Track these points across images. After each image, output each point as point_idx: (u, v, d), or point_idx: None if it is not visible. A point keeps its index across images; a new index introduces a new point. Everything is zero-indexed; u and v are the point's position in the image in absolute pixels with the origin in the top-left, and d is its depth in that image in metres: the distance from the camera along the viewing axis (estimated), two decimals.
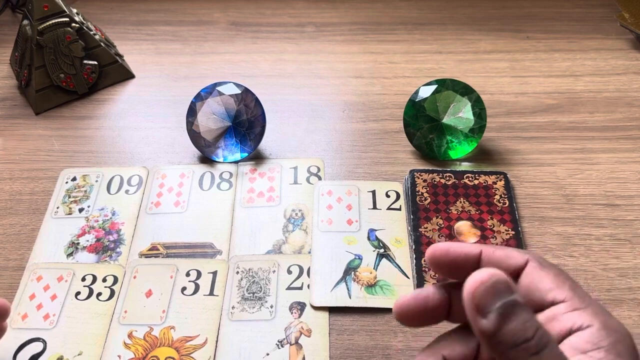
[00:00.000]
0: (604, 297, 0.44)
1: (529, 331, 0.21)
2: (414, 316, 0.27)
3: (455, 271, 0.27)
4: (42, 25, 0.59)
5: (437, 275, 0.45)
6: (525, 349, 0.21)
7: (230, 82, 0.53)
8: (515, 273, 0.26)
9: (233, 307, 0.44)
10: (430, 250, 0.27)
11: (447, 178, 0.52)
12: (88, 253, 0.48)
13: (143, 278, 0.46)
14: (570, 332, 0.23)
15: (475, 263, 0.26)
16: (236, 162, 0.55)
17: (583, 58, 0.67)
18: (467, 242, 0.47)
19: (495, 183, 0.51)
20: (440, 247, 0.27)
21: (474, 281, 0.22)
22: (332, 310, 0.44)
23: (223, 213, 0.51)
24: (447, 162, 0.55)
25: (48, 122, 0.61)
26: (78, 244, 0.49)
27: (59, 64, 0.61)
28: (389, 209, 0.51)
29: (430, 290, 0.27)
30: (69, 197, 0.53)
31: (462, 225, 0.48)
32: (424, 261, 0.46)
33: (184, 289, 0.45)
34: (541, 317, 0.24)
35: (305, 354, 0.41)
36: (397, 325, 0.43)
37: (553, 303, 0.24)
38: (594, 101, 0.61)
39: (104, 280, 0.46)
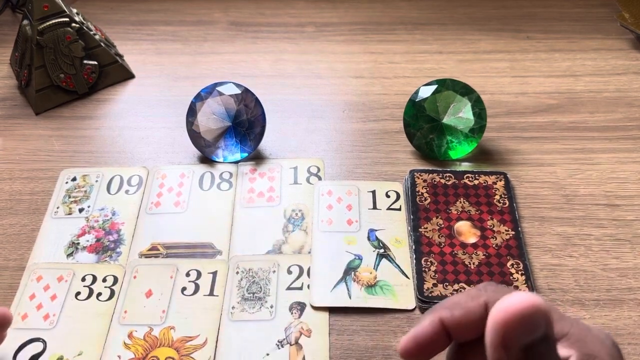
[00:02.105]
0: (604, 297, 0.44)
1: None
2: (421, 353, 0.24)
3: (435, 350, 0.24)
4: (42, 25, 0.59)
5: (436, 275, 0.45)
6: None
7: (230, 82, 0.53)
8: (483, 322, 0.23)
9: (233, 307, 0.44)
10: (401, 351, 0.23)
11: (447, 178, 0.52)
12: (88, 253, 0.48)
13: (143, 278, 0.46)
14: None
15: (445, 333, 0.24)
16: (236, 162, 0.55)
17: (583, 58, 0.67)
18: (467, 242, 0.47)
19: (495, 183, 0.51)
20: (407, 343, 0.23)
21: (509, 310, 0.19)
22: (332, 311, 0.44)
23: (223, 213, 0.51)
24: (447, 162, 0.55)
25: (48, 122, 0.61)
26: (78, 244, 0.49)
27: (59, 64, 0.61)
28: (389, 209, 0.51)
29: (427, 325, 0.24)
30: (69, 197, 0.53)
31: (462, 225, 0.48)
32: (424, 261, 0.46)
33: (184, 289, 0.45)
34: None
35: (305, 354, 0.41)
36: (397, 325, 0.43)
37: None
38: (594, 101, 0.61)
39: (104, 280, 0.46)
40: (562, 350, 0.22)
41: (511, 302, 0.19)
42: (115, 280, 0.46)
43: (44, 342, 0.43)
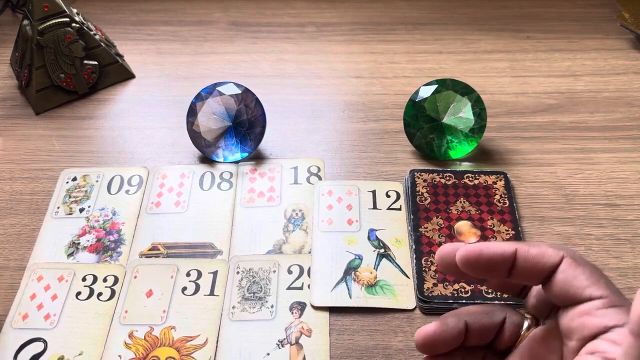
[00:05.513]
0: None
1: None
2: (437, 345, 0.26)
3: (488, 272, 0.26)
4: (43, 26, 0.59)
5: (436, 274, 0.45)
6: None
7: (230, 82, 0.53)
8: (551, 271, 0.25)
9: (233, 307, 0.44)
10: (462, 253, 0.25)
11: (447, 178, 0.52)
12: (88, 253, 0.48)
13: (143, 278, 0.46)
14: (606, 329, 0.23)
15: (510, 262, 0.25)
16: (236, 162, 0.55)
17: (583, 58, 0.67)
18: (467, 242, 0.47)
19: (495, 183, 0.51)
20: (472, 250, 0.25)
21: None
22: (333, 310, 0.44)
23: (223, 213, 0.51)
24: (447, 162, 0.55)
25: (48, 122, 0.61)
26: (78, 244, 0.49)
27: (59, 64, 0.61)
28: (389, 209, 0.51)
29: (450, 320, 0.27)
30: (70, 197, 0.53)
31: (462, 225, 0.48)
32: (424, 261, 0.46)
33: (184, 289, 0.45)
34: (575, 311, 0.24)
35: (306, 353, 0.41)
36: (397, 325, 0.43)
37: (589, 299, 0.24)
38: (594, 101, 0.61)
39: (105, 280, 0.46)
40: (622, 315, 0.23)
41: None
42: (116, 280, 0.46)
43: (44, 342, 0.43)
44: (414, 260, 0.46)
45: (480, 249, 0.25)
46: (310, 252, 0.48)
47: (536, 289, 0.27)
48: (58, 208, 0.52)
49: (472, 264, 0.25)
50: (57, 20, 0.60)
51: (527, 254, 0.25)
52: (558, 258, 0.25)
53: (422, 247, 0.47)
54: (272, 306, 0.44)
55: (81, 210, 0.52)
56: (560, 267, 0.25)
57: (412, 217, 0.49)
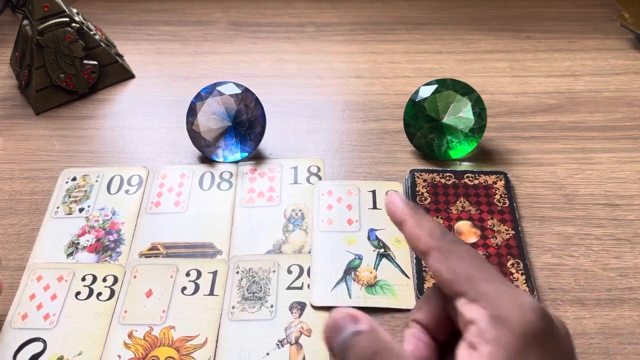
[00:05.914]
0: (604, 297, 0.44)
1: (364, 357, 0.23)
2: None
3: (396, 224, 0.27)
4: (43, 25, 0.59)
5: None
6: None
7: (230, 82, 0.53)
8: (423, 255, 0.26)
9: (233, 307, 0.44)
10: (385, 198, 0.28)
11: (447, 178, 0.52)
12: (88, 253, 0.48)
13: (143, 278, 0.46)
14: (464, 327, 0.23)
15: (401, 225, 0.27)
16: (236, 162, 0.55)
17: (583, 58, 0.67)
18: (467, 241, 0.47)
19: (495, 183, 0.51)
20: (388, 198, 0.27)
21: (325, 324, 0.24)
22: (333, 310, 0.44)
23: (223, 213, 0.51)
24: (447, 162, 0.55)
25: (48, 122, 0.61)
26: (78, 243, 0.49)
27: (59, 64, 0.61)
28: None
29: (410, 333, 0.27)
30: (69, 197, 0.53)
31: (462, 225, 0.48)
32: (424, 261, 0.46)
33: (184, 288, 0.45)
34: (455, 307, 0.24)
35: (306, 353, 0.41)
36: (397, 325, 0.43)
37: (456, 296, 0.24)
38: (594, 101, 0.61)
39: (104, 280, 0.46)
40: (476, 311, 0.23)
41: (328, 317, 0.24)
42: (116, 280, 0.46)
43: (44, 341, 0.43)
44: (414, 260, 0.46)
45: (390, 201, 0.27)
46: (310, 252, 0.48)
47: None
48: (58, 208, 0.52)
49: (387, 211, 0.27)
50: (57, 20, 0.60)
51: (410, 229, 0.26)
52: (425, 248, 0.25)
53: None
54: (271, 306, 0.44)
55: (81, 210, 0.52)
56: (430, 259, 0.25)
57: None
